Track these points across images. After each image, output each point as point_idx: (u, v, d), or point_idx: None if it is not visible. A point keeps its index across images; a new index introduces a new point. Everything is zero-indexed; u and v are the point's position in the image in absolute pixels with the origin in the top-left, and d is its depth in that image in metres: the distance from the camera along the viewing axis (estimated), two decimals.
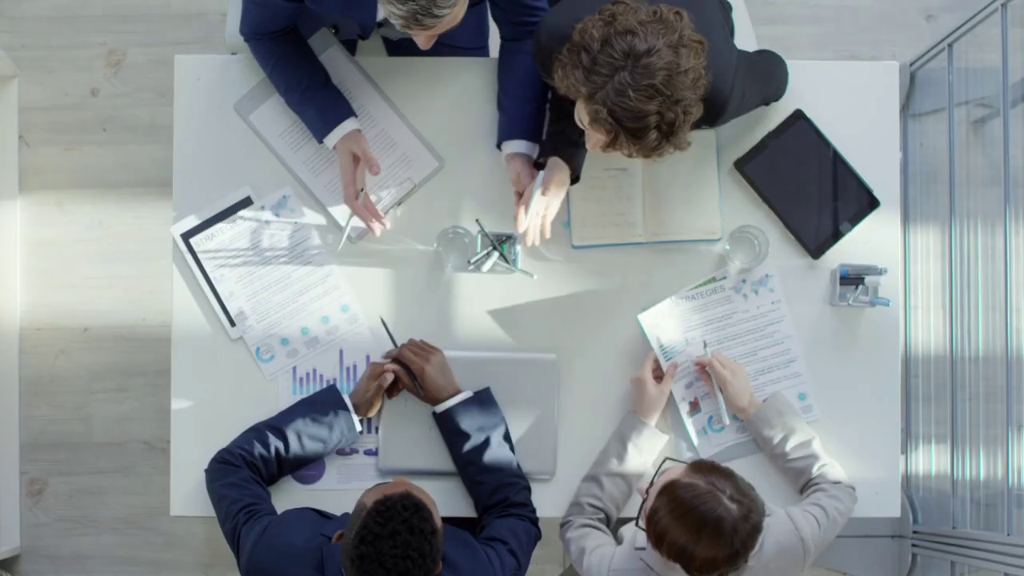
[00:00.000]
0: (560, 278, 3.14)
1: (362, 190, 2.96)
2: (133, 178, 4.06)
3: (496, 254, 3.07)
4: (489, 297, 3.13)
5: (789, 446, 3.00)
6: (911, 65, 3.69)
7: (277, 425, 2.93)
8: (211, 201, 3.14)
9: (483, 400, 2.96)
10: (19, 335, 4.01)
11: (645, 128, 2.58)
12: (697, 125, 2.69)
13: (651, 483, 2.63)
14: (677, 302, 3.08)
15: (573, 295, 3.14)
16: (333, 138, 3.00)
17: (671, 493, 2.55)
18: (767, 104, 3.06)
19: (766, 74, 2.94)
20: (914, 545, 3.59)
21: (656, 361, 3.01)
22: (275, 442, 2.92)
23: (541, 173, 2.82)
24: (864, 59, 3.88)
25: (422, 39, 2.71)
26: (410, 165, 3.14)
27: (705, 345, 3.06)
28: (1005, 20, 3.26)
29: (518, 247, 3.09)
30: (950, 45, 3.53)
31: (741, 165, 3.14)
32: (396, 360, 2.93)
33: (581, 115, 2.62)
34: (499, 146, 3.02)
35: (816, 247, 3.14)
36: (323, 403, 2.95)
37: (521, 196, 2.93)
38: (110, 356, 4.02)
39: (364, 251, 3.15)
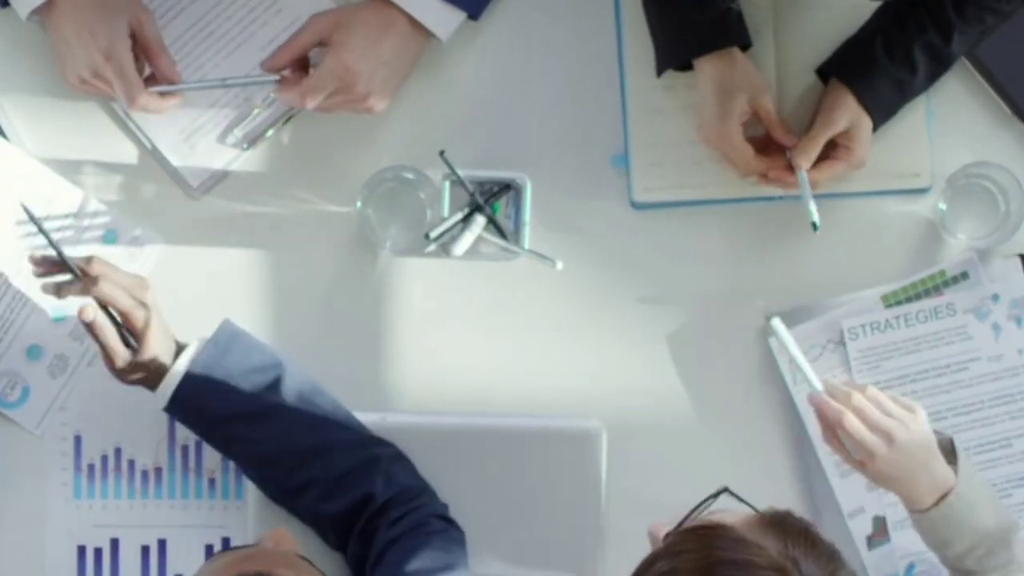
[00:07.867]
0: (608, 267, 2.53)
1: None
2: None
3: (481, 221, 2.47)
4: (469, 307, 2.52)
5: (983, 551, 2.43)
6: None
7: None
8: None
9: (220, 342, 2.42)
10: None
11: None
12: None
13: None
14: (847, 326, 2.54)
15: (632, 302, 2.48)
16: None
17: (696, 540, 2.01)
18: None
19: None
20: None
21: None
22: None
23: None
24: None
25: None
26: None
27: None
28: None
29: (526, 208, 2.47)
30: None
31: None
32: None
33: None
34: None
35: None
36: None
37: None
38: None
39: (212, 216, 2.53)
